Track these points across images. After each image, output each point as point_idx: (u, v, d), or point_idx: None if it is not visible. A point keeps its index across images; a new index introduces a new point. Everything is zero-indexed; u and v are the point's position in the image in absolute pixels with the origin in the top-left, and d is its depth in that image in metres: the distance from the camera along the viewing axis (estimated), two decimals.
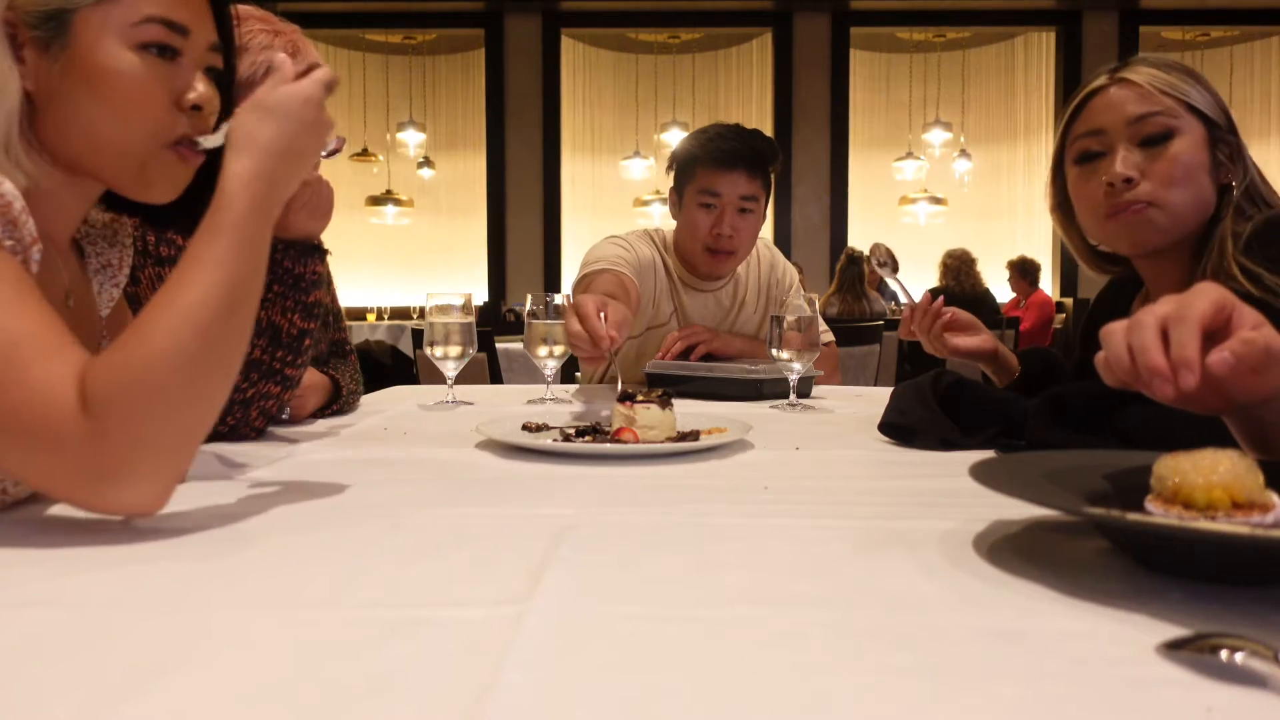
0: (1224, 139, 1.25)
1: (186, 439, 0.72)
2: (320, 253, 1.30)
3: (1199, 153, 1.24)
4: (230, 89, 0.91)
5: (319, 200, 1.28)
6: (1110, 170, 1.25)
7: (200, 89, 0.84)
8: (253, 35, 1.30)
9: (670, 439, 1.14)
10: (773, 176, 2.12)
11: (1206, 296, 0.66)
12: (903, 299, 1.61)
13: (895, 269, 1.85)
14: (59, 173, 0.81)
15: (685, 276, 2.16)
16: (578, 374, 2.43)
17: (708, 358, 1.99)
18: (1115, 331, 0.68)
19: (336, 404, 1.49)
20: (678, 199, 2.14)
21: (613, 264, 2.00)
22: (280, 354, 1.22)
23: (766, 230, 2.34)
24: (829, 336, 2.21)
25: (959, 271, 6.25)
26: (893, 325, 4.05)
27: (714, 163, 2.05)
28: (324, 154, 0.87)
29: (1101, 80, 1.29)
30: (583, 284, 1.96)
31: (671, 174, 2.17)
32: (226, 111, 0.88)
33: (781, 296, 2.23)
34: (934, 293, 1.60)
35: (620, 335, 1.31)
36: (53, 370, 0.67)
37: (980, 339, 1.53)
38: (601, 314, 1.32)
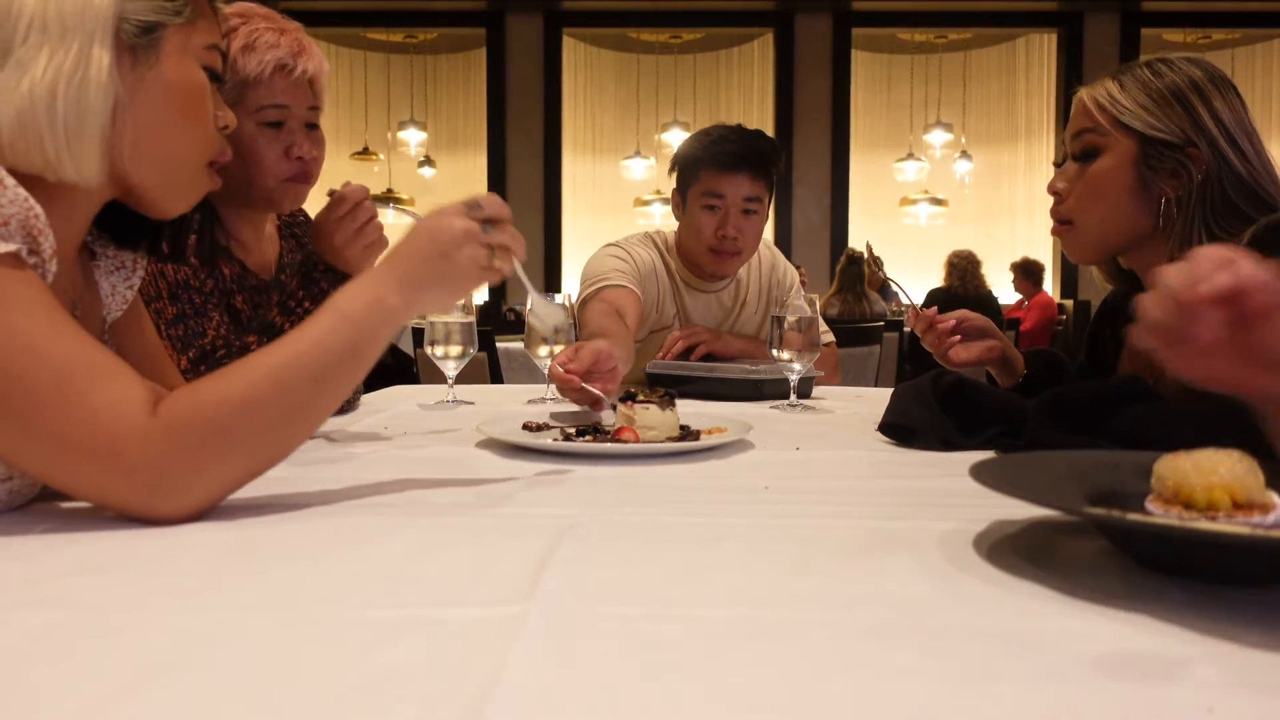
0: (1162, 155, 1.20)
1: (243, 474, 0.78)
2: None
3: (1122, 172, 1.23)
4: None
5: (379, 243, 1.37)
6: (1050, 182, 1.32)
7: (227, 112, 0.92)
8: (259, 34, 1.30)
9: (670, 439, 1.14)
10: (775, 177, 2.12)
11: (1215, 249, 0.63)
12: (904, 300, 1.62)
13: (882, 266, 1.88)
14: (110, 180, 0.82)
15: (688, 278, 2.16)
16: None
17: (708, 358, 1.99)
18: (1146, 297, 0.64)
19: None
20: (681, 200, 2.14)
21: (610, 279, 2.00)
22: None
23: (767, 231, 2.34)
24: (829, 337, 2.21)
25: (965, 272, 6.21)
26: (893, 326, 4.05)
27: (718, 165, 2.05)
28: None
29: (1079, 91, 1.31)
30: (583, 309, 1.98)
31: (674, 175, 2.17)
32: None
33: (782, 297, 2.23)
34: (935, 293, 1.61)
35: (607, 377, 1.30)
36: (113, 394, 0.71)
37: (985, 347, 1.51)
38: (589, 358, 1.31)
